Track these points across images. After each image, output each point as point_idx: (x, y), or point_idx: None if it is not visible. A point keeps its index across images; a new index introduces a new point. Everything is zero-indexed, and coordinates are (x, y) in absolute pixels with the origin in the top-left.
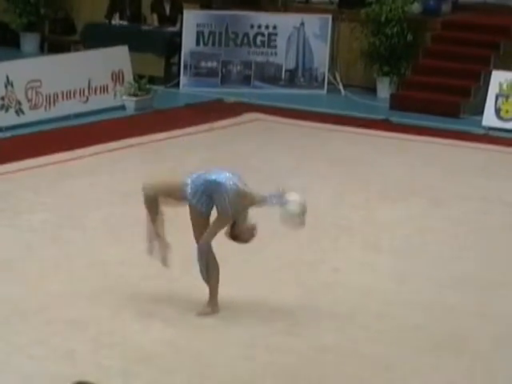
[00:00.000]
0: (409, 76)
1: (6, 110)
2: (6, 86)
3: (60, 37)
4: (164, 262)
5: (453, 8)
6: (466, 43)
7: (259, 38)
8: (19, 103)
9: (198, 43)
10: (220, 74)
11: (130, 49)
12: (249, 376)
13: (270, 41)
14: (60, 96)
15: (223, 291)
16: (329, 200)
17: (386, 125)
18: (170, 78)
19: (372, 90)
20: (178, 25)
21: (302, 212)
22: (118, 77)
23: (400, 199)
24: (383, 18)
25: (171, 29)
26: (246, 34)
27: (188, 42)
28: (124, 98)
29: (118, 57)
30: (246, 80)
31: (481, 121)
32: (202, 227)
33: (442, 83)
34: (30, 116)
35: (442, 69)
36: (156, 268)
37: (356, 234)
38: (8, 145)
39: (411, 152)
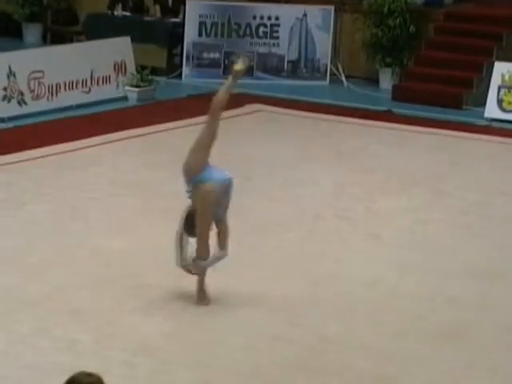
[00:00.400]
0: (411, 67)
1: (9, 101)
2: (8, 77)
3: (62, 27)
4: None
5: None
6: (468, 34)
7: (262, 29)
8: (21, 94)
9: (200, 34)
10: (222, 65)
11: (133, 40)
12: (250, 367)
13: (272, 32)
14: (62, 87)
15: (225, 282)
16: (331, 191)
17: (388, 116)
18: (172, 68)
19: (374, 81)
20: (181, 15)
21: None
22: (120, 67)
23: (402, 190)
24: (386, 9)
25: (174, 20)
26: (249, 25)
27: (190, 33)
28: (126, 88)
29: (121, 47)
30: (248, 71)
31: (483, 112)
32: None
33: (445, 74)
34: (32, 107)
35: (444, 60)
36: (158, 259)
37: (358, 224)
38: (10, 135)
39: (413, 143)
